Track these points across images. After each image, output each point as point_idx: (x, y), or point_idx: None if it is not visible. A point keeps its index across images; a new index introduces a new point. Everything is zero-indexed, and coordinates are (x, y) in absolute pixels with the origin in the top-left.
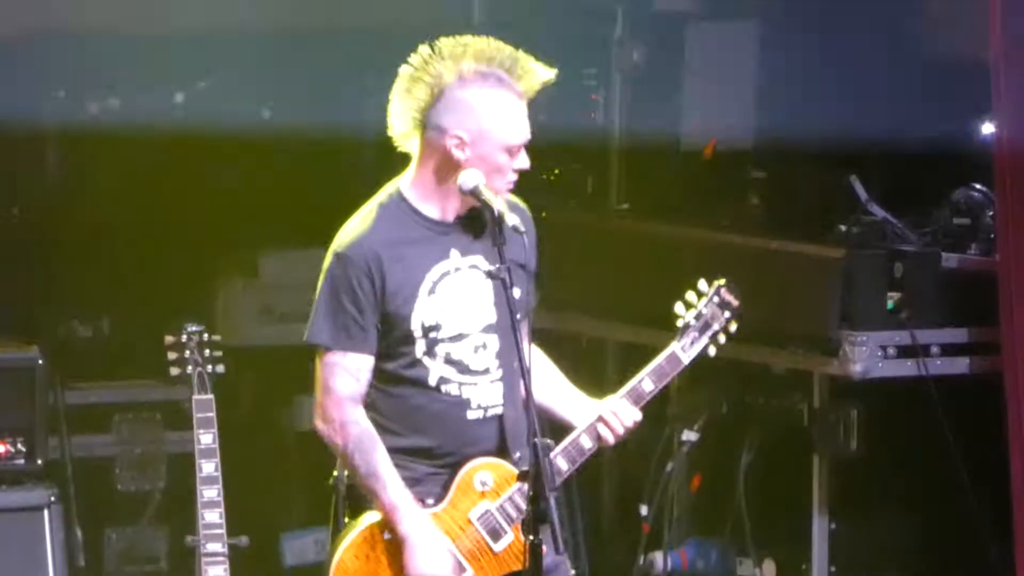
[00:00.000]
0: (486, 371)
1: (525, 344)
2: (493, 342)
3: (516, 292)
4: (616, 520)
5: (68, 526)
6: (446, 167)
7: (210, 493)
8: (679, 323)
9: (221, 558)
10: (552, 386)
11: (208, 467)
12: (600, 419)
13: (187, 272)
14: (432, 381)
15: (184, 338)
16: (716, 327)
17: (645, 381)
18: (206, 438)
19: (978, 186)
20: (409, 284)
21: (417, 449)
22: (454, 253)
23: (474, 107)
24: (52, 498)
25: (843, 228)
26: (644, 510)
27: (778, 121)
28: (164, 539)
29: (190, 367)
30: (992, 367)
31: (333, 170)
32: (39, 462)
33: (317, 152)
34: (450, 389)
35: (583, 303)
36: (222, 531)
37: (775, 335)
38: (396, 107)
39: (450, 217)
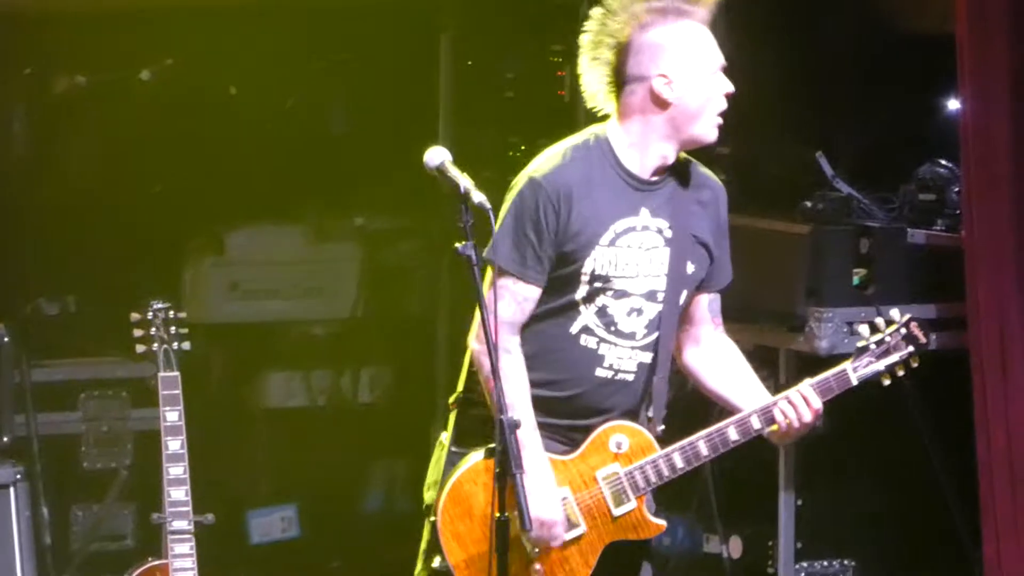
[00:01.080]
0: (631, 335)
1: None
2: (651, 310)
3: (690, 267)
4: None
5: (34, 504)
6: (653, 115)
7: (176, 471)
8: (860, 344)
9: (187, 535)
10: (731, 377)
11: (174, 444)
12: (786, 399)
13: (154, 249)
14: (574, 328)
15: (150, 315)
16: (896, 358)
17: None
18: (172, 415)
19: (944, 162)
20: (592, 228)
21: (538, 382)
22: (644, 211)
23: (665, 45)
24: (18, 476)
25: (809, 204)
26: None
27: (744, 97)
28: (130, 516)
29: (156, 344)
30: (958, 343)
31: (299, 147)
32: (5, 440)
33: (284, 129)
34: (588, 341)
35: None
36: (188, 508)
37: (742, 311)
38: (587, 76)
39: (647, 172)
